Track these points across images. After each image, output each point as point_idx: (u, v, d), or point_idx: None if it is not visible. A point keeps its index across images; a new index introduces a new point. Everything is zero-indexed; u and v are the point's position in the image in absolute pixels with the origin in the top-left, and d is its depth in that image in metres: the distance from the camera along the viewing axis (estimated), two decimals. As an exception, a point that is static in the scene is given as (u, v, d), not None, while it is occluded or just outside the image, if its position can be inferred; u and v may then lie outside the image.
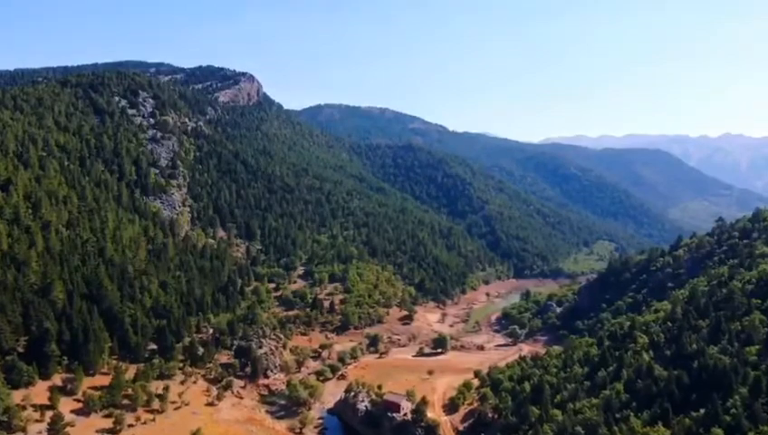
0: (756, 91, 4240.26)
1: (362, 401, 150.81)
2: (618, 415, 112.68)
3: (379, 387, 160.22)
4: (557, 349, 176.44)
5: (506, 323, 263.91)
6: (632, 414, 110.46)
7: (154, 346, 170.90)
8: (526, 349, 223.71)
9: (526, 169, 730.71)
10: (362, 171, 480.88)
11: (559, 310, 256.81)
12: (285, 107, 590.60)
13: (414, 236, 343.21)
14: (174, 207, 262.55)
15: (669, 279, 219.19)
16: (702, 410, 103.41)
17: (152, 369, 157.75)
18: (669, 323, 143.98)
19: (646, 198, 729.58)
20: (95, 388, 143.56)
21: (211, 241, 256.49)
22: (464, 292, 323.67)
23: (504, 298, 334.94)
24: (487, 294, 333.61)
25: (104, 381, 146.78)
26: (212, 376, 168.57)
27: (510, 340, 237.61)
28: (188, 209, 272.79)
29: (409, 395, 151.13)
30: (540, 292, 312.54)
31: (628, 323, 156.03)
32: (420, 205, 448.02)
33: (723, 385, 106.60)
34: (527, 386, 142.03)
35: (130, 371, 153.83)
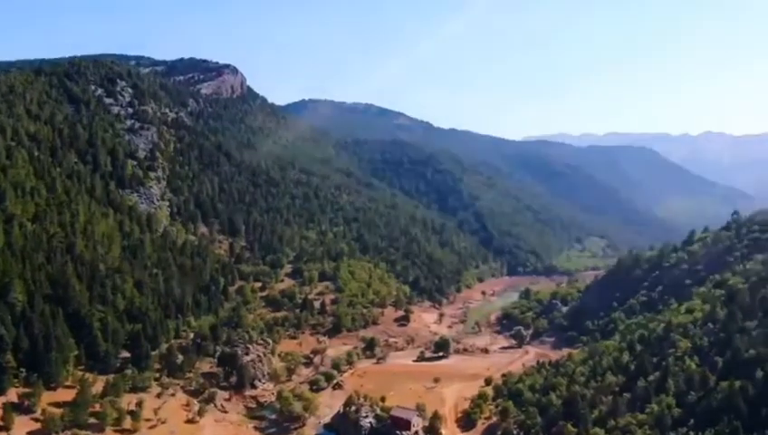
0: (736, 89, 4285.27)
1: (365, 416, 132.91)
2: (672, 434, 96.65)
3: (383, 399, 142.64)
4: (579, 353, 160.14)
5: (508, 323, 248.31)
6: (692, 434, 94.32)
7: (126, 354, 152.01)
8: (533, 352, 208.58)
9: (513, 166, 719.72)
10: (350, 166, 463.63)
11: (565, 309, 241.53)
12: (269, 102, 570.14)
13: (406, 232, 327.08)
14: (152, 201, 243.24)
15: (686, 276, 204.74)
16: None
17: (124, 381, 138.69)
18: (711, 325, 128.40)
19: (632, 194, 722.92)
20: (57, 404, 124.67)
21: (192, 237, 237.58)
22: (459, 290, 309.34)
23: (500, 296, 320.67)
24: (483, 293, 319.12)
25: (68, 396, 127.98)
26: (192, 388, 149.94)
27: (515, 342, 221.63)
28: (168, 203, 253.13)
29: (420, 409, 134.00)
30: (538, 290, 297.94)
31: (663, 325, 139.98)
32: (410, 200, 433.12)
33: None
34: (554, 398, 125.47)
35: (98, 383, 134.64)
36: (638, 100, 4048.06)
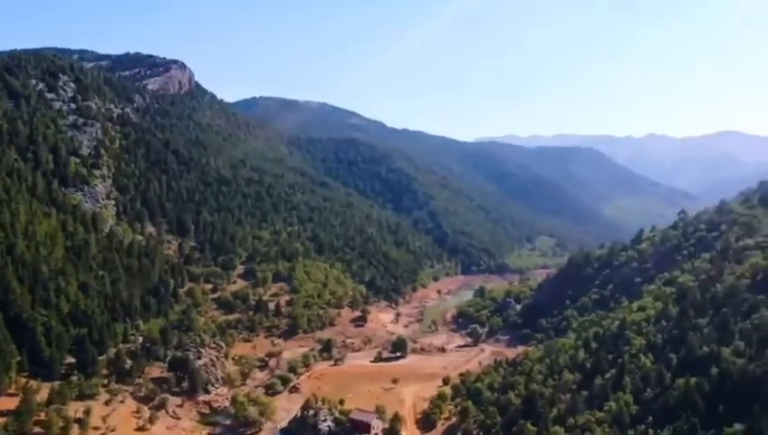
0: (679, 92, 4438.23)
1: (324, 420, 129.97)
2: (631, 432, 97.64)
3: (341, 402, 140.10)
4: (535, 351, 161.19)
5: (464, 322, 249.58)
6: (651, 431, 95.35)
7: (72, 360, 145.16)
8: (489, 350, 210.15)
9: (465, 167, 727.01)
10: (303, 165, 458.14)
11: (518, 307, 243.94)
12: (218, 98, 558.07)
13: (362, 231, 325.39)
14: (97, 200, 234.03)
15: (636, 274, 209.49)
16: (737, 426, 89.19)
17: (70, 388, 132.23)
18: (664, 323, 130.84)
19: (579, 194, 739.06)
20: (0, 413, 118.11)
21: (139, 237, 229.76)
22: (415, 289, 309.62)
23: (455, 295, 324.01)
24: (438, 292, 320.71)
25: (10, 404, 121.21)
26: (142, 394, 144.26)
27: (471, 340, 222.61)
28: (113, 202, 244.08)
29: (379, 411, 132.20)
30: (491, 288, 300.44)
31: (617, 322, 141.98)
32: (365, 200, 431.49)
33: (760, 395, 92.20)
34: (513, 397, 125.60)
35: (43, 391, 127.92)
36: (584, 103, 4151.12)
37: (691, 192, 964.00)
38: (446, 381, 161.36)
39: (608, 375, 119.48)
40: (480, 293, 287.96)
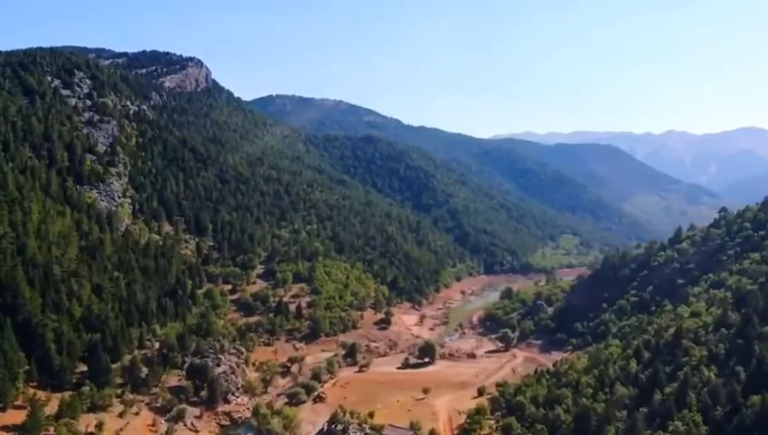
0: (697, 89, 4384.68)
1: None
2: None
3: (371, 415, 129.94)
4: (579, 360, 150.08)
5: (491, 324, 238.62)
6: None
7: (84, 368, 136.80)
8: (521, 356, 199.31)
9: (483, 164, 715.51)
10: (321, 163, 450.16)
11: (550, 310, 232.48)
12: (235, 96, 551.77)
13: (383, 230, 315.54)
14: (113, 198, 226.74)
15: (678, 275, 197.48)
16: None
17: (81, 399, 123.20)
18: (724, 331, 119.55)
19: (600, 192, 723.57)
20: (5, 428, 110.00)
21: (156, 237, 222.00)
22: (438, 290, 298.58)
23: (480, 296, 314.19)
24: (462, 292, 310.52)
25: (17, 417, 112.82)
26: (159, 404, 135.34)
27: (501, 345, 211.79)
28: (129, 201, 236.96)
29: (415, 428, 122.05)
30: (518, 289, 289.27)
31: (672, 329, 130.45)
32: (384, 198, 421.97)
33: None
34: (562, 413, 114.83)
35: (53, 402, 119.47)
36: (601, 99, 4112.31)
37: (712, 189, 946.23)
38: (480, 392, 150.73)
39: (667, 390, 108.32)
40: (507, 294, 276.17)
